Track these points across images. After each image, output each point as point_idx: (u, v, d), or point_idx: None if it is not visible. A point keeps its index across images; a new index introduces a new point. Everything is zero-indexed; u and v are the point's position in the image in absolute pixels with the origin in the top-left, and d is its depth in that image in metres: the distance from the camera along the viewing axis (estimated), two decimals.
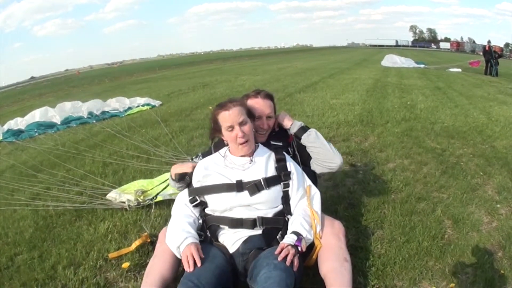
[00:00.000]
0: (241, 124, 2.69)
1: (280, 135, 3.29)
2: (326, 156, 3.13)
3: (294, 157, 3.09)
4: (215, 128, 2.84)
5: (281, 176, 2.73)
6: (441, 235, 3.49)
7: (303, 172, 2.90)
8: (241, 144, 2.71)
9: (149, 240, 3.50)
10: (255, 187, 2.62)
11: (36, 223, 4.27)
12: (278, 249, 2.38)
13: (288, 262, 2.27)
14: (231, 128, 2.69)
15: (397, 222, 3.71)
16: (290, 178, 2.75)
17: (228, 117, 2.69)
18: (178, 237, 2.54)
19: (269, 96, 3.20)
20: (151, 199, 4.29)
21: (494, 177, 4.93)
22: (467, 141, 6.65)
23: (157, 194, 4.22)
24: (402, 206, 4.06)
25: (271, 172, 2.74)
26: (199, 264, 2.33)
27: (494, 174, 5.02)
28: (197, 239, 2.56)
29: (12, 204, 4.81)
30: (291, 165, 2.82)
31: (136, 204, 4.36)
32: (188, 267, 2.34)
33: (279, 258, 2.29)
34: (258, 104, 3.09)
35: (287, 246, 2.39)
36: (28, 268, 3.37)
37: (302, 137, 3.11)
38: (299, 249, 2.42)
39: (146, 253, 3.39)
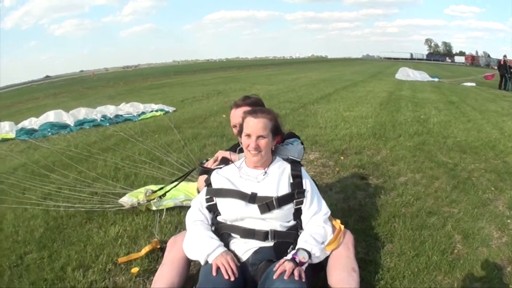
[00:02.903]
0: (259, 137, 2.65)
1: None
2: None
3: None
4: (240, 130, 2.78)
5: (295, 194, 2.67)
6: (451, 250, 3.49)
7: (318, 192, 2.84)
8: (251, 153, 2.66)
9: (158, 247, 3.50)
10: (266, 206, 2.56)
11: (46, 223, 4.30)
12: (276, 267, 2.34)
13: (296, 277, 2.24)
14: (248, 136, 2.65)
15: (407, 236, 3.70)
16: (304, 196, 2.69)
17: (252, 125, 2.65)
18: (208, 244, 2.51)
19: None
20: (160, 197, 4.34)
21: (505, 192, 4.93)
22: (479, 156, 6.63)
23: (166, 192, 4.23)
24: (412, 220, 4.05)
25: (284, 189, 2.67)
26: (232, 277, 2.32)
27: (506, 189, 5.02)
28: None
29: (24, 202, 4.84)
30: (307, 182, 2.76)
31: (146, 202, 4.40)
32: (226, 275, 2.32)
33: (275, 276, 2.26)
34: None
35: (283, 262, 2.35)
36: (37, 267, 3.39)
37: None
38: (297, 261, 2.38)
39: (155, 259, 3.40)
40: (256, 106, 3.12)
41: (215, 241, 2.54)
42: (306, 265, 2.41)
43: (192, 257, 2.59)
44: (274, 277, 2.26)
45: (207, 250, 2.47)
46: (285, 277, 2.24)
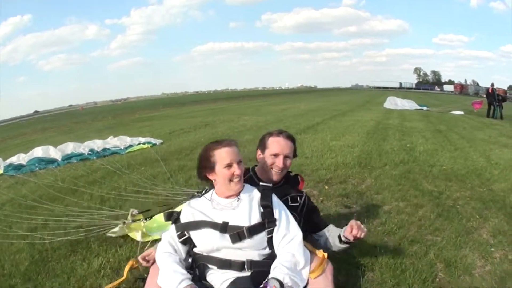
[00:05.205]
0: (239, 163, 2.72)
1: (292, 182, 3.47)
2: None
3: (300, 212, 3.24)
4: (206, 166, 2.79)
5: (265, 224, 2.67)
6: (432, 278, 3.51)
7: (289, 216, 2.82)
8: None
9: (136, 266, 3.38)
10: (237, 236, 2.57)
11: (32, 256, 4.31)
12: None
13: None
14: (230, 165, 2.69)
15: (388, 264, 3.71)
16: (275, 225, 2.69)
17: (231, 154, 2.72)
18: (172, 279, 2.48)
19: (291, 138, 3.27)
20: (146, 219, 4.41)
21: (490, 221, 4.95)
22: (465, 184, 6.70)
23: (152, 216, 4.35)
24: (394, 249, 4.06)
25: (255, 218, 2.67)
26: None
27: (490, 218, 5.05)
28: (190, 279, 2.52)
29: (10, 237, 4.86)
30: (277, 212, 2.75)
31: (131, 222, 4.48)
32: None
33: None
34: (279, 142, 3.16)
35: None
36: None
37: None
38: None
39: None
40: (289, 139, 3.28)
41: (179, 275, 2.50)
42: None
43: None
44: None
45: (173, 285, 2.45)
46: None
